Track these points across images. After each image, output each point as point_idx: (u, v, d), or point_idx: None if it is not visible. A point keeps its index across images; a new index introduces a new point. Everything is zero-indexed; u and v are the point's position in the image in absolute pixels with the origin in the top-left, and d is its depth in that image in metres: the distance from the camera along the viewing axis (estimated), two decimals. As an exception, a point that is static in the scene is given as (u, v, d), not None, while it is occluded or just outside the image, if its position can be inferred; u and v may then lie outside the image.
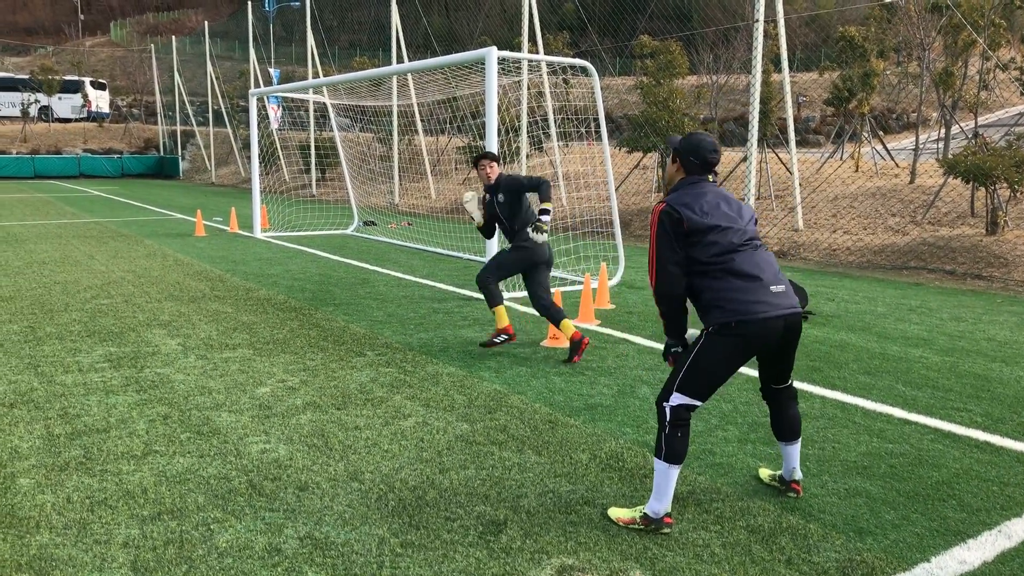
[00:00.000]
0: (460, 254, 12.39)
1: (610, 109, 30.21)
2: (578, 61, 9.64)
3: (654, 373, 5.69)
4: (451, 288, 9.34)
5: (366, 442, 4.30)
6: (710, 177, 3.47)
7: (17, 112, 46.57)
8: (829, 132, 27.35)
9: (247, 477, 3.82)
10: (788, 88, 13.55)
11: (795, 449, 3.61)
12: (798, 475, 3.65)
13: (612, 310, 8.00)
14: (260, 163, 15.53)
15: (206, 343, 6.47)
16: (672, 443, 3.25)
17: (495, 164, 6.32)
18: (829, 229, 13.33)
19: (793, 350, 3.45)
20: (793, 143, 13.87)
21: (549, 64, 16.12)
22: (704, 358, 3.27)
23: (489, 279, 6.24)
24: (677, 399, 3.27)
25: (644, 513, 3.32)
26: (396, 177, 23.53)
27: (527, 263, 6.19)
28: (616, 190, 11.03)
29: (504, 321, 6.27)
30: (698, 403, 3.29)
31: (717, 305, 3.25)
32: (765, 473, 3.82)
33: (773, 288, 3.29)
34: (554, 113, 17.91)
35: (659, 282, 3.35)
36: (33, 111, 47.24)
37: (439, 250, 12.94)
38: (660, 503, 3.28)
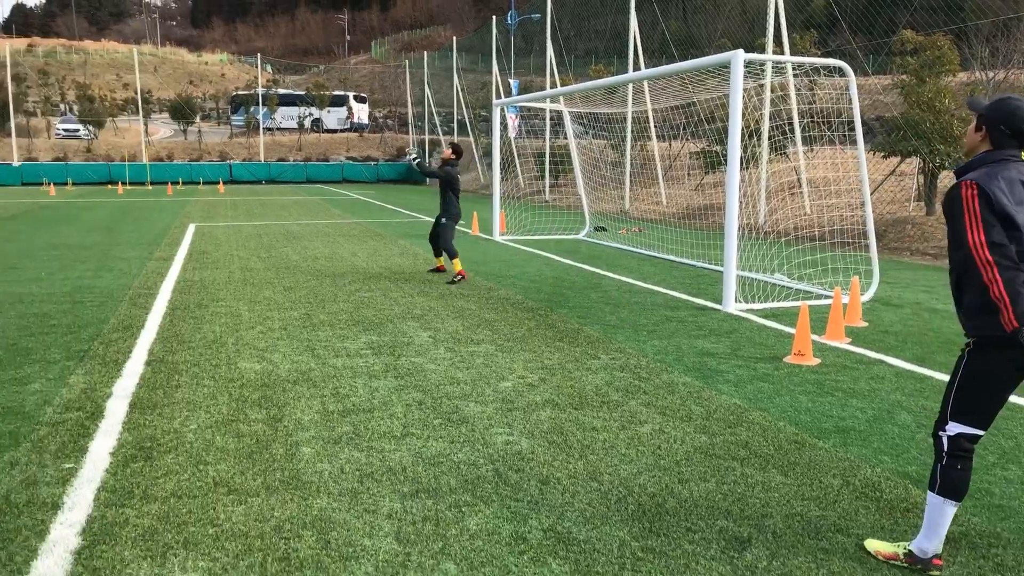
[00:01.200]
0: (694, 262, 12.14)
1: (862, 111, 28.02)
2: (833, 61, 9.05)
3: (915, 399, 5.19)
4: (685, 296, 9.18)
5: (603, 444, 4.36)
6: (1023, 153, 2.96)
7: (295, 124, 52.94)
8: None
9: (493, 466, 4.03)
10: (1089, 82, 11.72)
11: None
12: None
13: (864, 328, 7.41)
14: (499, 170, 16.29)
15: (453, 337, 6.92)
16: (949, 476, 2.95)
17: (449, 151, 10.41)
18: None
19: None
20: (1093, 146, 11.96)
21: (798, 65, 15.28)
22: (975, 378, 2.93)
23: (451, 242, 10.23)
24: (954, 428, 2.96)
25: (909, 550, 3.05)
26: (627, 183, 23.58)
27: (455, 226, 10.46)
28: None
29: (459, 267, 10.06)
30: (979, 432, 2.96)
31: (993, 310, 2.84)
32: None
33: None
34: (799, 116, 16.95)
35: (988, 250, 2.79)
36: (307, 123, 53.44)
37: (671, 257, 12.77)
38: (930, 542, 2.99)
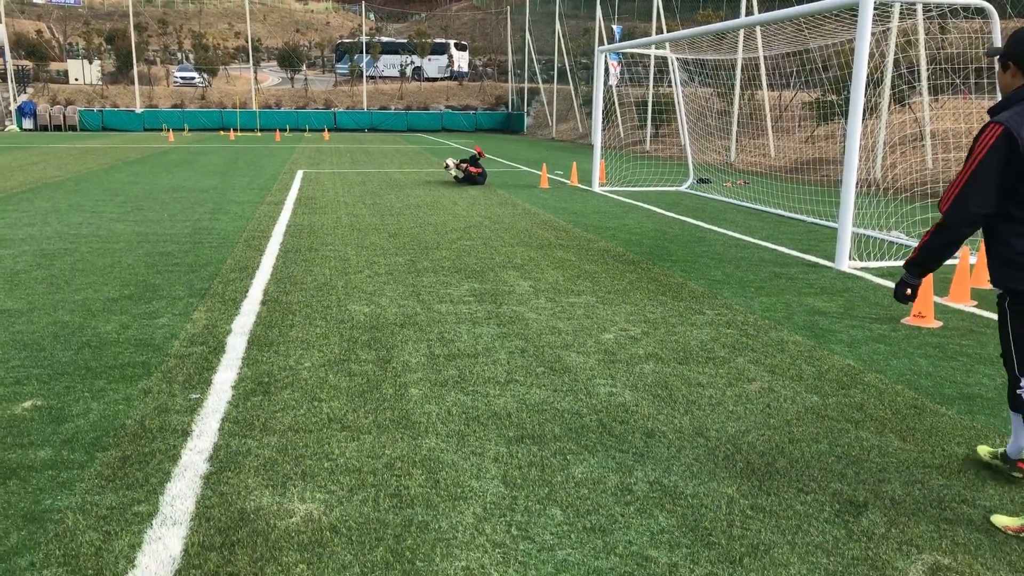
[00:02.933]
0: (804, 217, 11.65)
1: (995, 57, 25.71)
2: (974, 1, 8.34)
3: (1050, 368, 4.84)
4: (794, 252, 8.84)
5: (709, 400, 4.28)
6: None
7: (396, 72, 53.42)
8: None
9: (597, 416, 4.03)
10: None
11: None
12: None
13: (993, 290, 6.94)
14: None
15: (554, 287, 6.91)
16: None
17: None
18: None
19: None
20: None
21: (935, 7, 14.20)
22: None
23: None
24: None
25: (1039, 523, 2.88)
26: (734, 134, 22.72)
27: None
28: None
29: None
30: None
31: (1017, 265, 2.89)
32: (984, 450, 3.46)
33: None
34: (927, 63, 15.79)
35: (954, 212, 2.97)
36: (408, 71, 53.84)
37: (780, 211, 12.29)
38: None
